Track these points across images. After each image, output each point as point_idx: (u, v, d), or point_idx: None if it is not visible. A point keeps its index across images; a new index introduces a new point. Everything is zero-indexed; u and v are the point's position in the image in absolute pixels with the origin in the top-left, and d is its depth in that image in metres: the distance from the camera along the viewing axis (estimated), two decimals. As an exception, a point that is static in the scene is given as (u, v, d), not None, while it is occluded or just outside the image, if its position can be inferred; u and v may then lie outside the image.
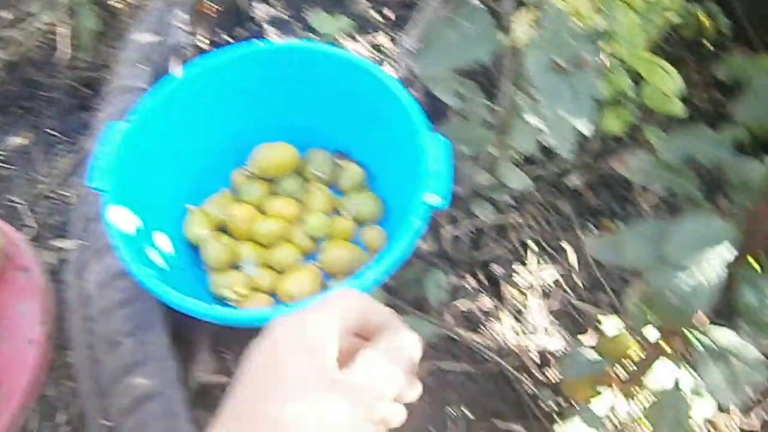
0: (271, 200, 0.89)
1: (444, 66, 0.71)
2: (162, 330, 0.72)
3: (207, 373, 0.77)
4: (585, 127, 0.63)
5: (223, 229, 0.88)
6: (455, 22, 0.73)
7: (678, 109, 0.97)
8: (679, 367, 0.70)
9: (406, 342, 0.38)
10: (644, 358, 0.73)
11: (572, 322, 0.95)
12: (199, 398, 0.76)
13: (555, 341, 0.91)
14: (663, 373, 0.75)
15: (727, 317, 0.97)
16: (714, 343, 0.64)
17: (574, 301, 0.97)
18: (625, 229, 0.59)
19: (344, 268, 0.83)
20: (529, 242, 1.01)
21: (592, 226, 1.07)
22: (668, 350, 0.70)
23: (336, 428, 0.34)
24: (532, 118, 0.73)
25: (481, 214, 0.97)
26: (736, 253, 0.54)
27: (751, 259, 0.58)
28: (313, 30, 1.14)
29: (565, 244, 1.02)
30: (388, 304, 0.88)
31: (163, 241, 0.80)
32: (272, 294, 0.84)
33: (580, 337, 0.92)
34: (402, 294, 0.89)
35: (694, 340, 0.64)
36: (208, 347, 0.80)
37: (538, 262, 0.99)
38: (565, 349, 0.91)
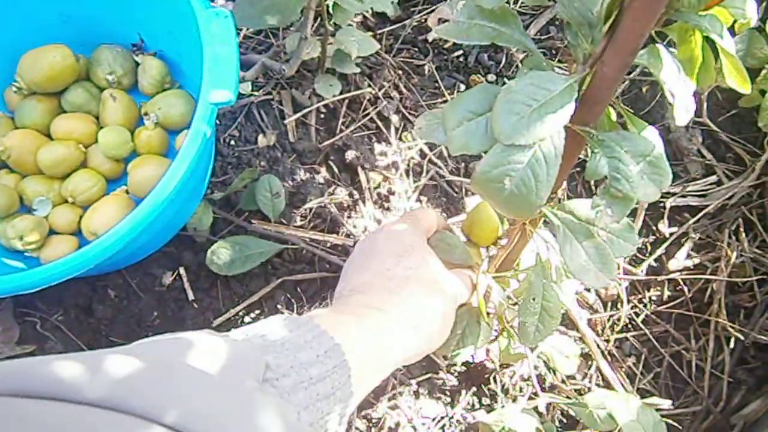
0: (58, 119, 0.72)
1: None
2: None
3: (8, 344, 0.64)
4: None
5: (3, 164, 0.71)
6: None
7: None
8: (547, 249, 0.61)
9: None
10: (513, 239, 0.64)
11: (447, 198, 0.85)
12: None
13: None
14: (530, 256, 0.66)
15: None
16: (574, 216, 0.54)
17: (446, 174, 0.86)
18: (448, 103, 0.46)
19: (158, 188, 0.68)
20: (390, 115, 0.87)
21: (461, 85, 0.94)
22: (531, 229, 0.60)
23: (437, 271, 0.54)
24: (335, -31, 0.57)
25: (325, 92, 0.83)
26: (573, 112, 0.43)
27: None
28: None
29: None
30: (220, 219, 0.76)
31: None
32: (77, 233, 0.70)
33: (456, 218, 0.82)
34: (240, 205, 0.76)
35: (551, 216, 0.54)
36: (7, 313, 0.67)
37: (400, 138, 0.87)
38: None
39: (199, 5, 0.56)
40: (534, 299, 0.57)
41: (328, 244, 0.77)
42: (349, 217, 0.79)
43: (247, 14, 0.63)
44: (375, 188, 0.82)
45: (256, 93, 0.84)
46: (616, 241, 0.56)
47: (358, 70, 0.85)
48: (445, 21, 0.47)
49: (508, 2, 0.55)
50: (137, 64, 0.75)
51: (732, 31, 0.49)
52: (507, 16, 0.46)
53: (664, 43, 0.47)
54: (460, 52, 0.95)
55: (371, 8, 0.93)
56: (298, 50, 0.74)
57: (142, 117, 0.74)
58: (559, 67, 0.96)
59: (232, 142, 0.81)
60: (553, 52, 0.97)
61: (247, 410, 0.30)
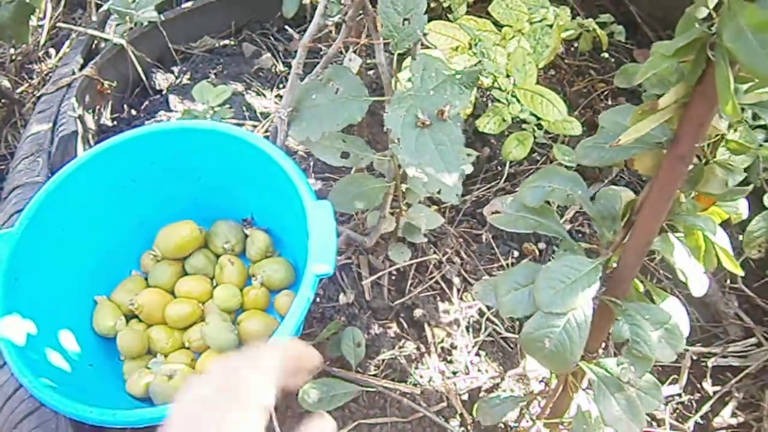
0: (182, 281, 0.88)
1: (316, 131, 0.72)
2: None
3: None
4: (451, 180, 0.63)
5: (135, 315, 0.87)
6: (324, 86, 0.73)
7: (574, 128, 0.98)
8: (589, 401, 0.71)
9: None
10: (559, 391, 0.73)
11: (503, 353, 0.95)
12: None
13: (484, 377, 0.91)
14: (575, 406, 0.75)
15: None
16: (607, 371, 0.64)
17: (503, 332, 0.97)
18: (500, 275, 0.59)
19: (261, 339, 0.82)
20: (452, 278, 1.01)
21: (515, 252, 1.08)
22: (575, 383, 0.70)
23: None
24: (411, 171, 0.73)
25: (397, 258, 0.97)
26: (600, 288, 0.55)
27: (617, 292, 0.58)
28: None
29: (486, 276, 1.02)
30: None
31: (68, 339, 0.79)
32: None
33: (511, 372, 0.92)
34: (324, 353, 0.89)
35: (588, 371, 0.64)
36: None
37: (461, 298, 0.99)
38: (494, 382, 0.90)
39: (307, 197, 0.73)
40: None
41: (398, 392, 0.87)
42: (416, 368, 0.90)
43: (339, 201, 0.80)
44: (439, 343, 0.94)
45: (338, 258, 1.00)
46: (644, 397, 0.65)
47: (425, 239, 1.00)
48: (498, 212, 0.62)
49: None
50: (246, 235, 0.92)
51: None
52: (545, 211, 0.60)
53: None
54: (514, 223, 1.10)
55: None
56: (378, 226, 0.90)
57: (249, 278, 0.90)
58: (589, 246, 1.08)
59: (317, 300, 0.96)
60: (582, 233, 1.10)
61: None
